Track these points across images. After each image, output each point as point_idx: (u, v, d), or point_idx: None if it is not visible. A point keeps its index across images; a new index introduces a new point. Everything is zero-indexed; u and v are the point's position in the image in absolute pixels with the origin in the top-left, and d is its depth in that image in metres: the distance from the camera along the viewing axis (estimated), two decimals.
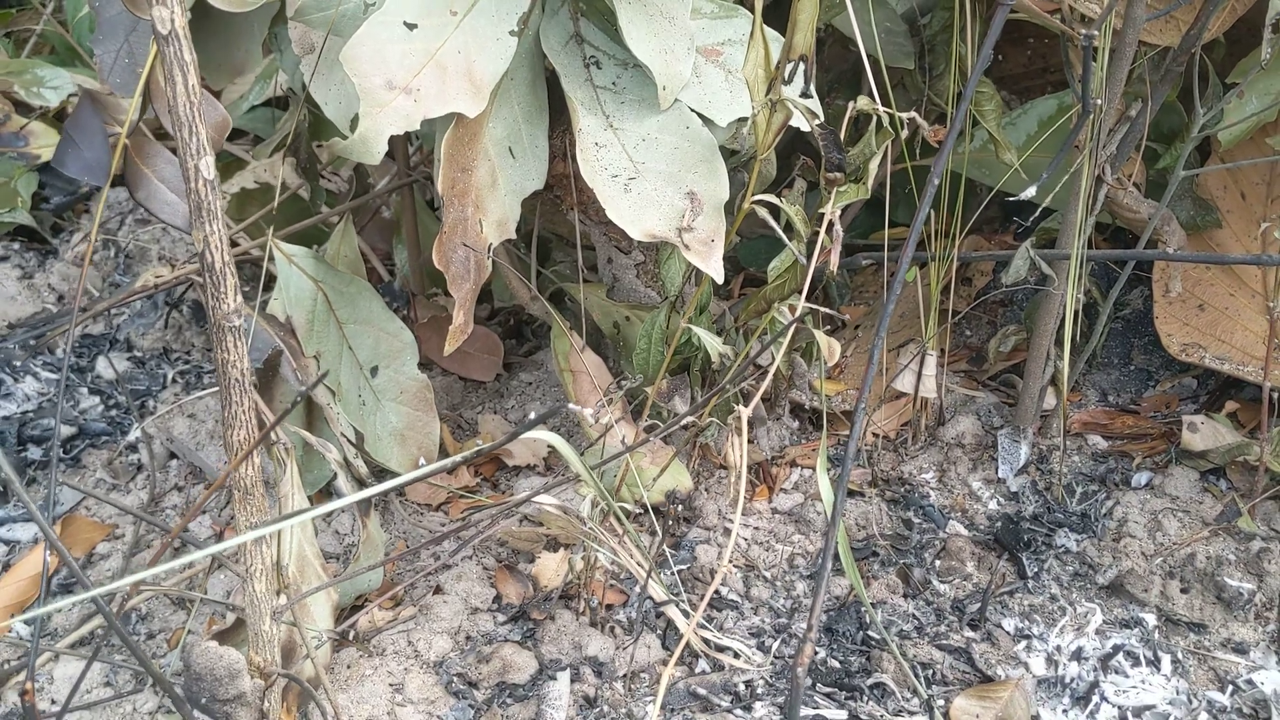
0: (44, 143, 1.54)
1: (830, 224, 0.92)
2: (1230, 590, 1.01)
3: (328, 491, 1.16)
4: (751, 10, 0.86)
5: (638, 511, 1.07)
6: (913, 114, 0.95)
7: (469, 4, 0.90)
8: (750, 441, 1.21)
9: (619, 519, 0.81)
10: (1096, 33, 0.80)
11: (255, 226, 1.31)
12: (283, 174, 1.25)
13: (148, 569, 0.63)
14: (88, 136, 0.78)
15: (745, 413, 0.87)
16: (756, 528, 1.14)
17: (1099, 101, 0.94)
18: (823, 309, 0.94)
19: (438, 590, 1.05)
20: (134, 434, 1.30)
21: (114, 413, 1.35)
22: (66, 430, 1.31)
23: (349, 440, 1.03)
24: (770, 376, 0.93)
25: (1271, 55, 0.99)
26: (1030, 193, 0.93)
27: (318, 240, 1.40)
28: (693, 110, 0.94)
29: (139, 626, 1.08)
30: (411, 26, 0.87)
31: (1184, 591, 1.03)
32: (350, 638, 0.99)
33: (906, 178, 1.26)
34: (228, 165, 1.57)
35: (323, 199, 1.23)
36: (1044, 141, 1.22)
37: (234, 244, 1.41)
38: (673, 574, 1.06)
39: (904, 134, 0.98)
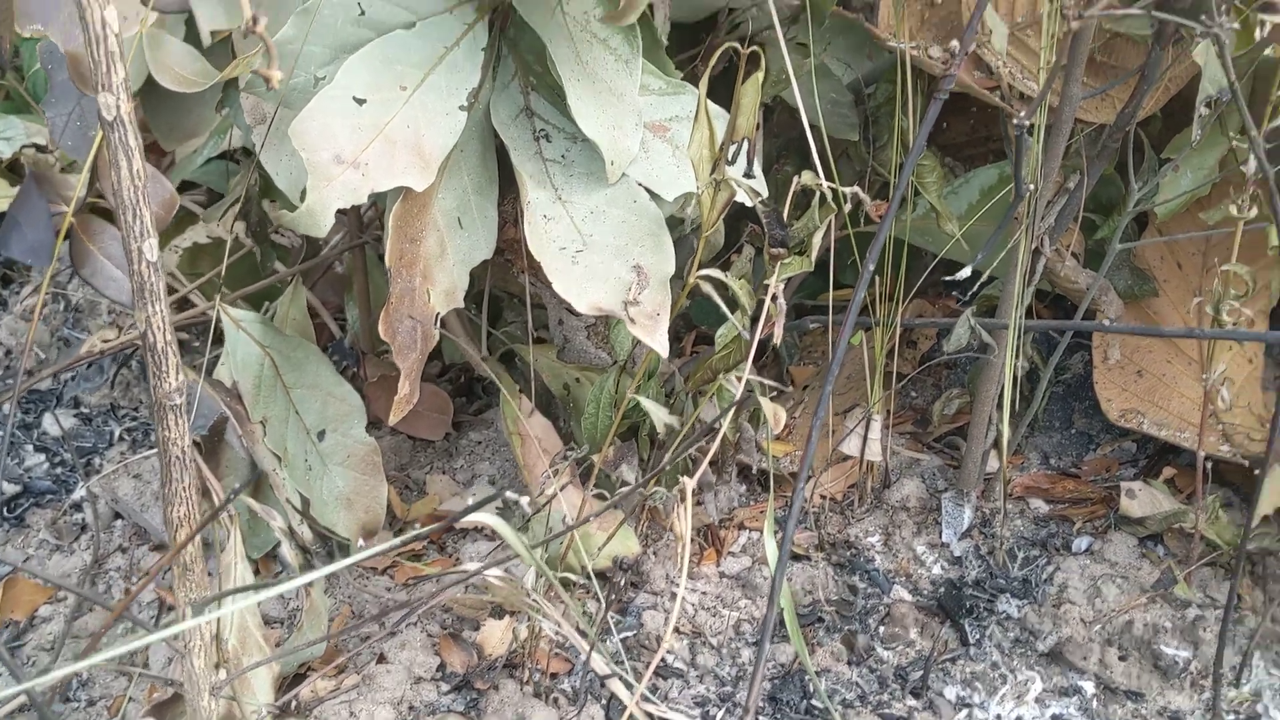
0: None
1: (774, 297, 0.93)
2: (1166, 658, 1.03)
3: (275, 555, 1.16)
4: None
5: (581, 582, 1.08)
6: (855, 189, 0.97)
7: (419, 79, 0.91)
8: (698, 504, 1.22)
9: (560, 593, 0.81)
10: (1029, 121, 0.83)
11: (209, 282, 1.31)
12: (236, 233, 1.25)
13: (83, 659, 0.63)
14: (32, 218, 0.78)
15: (690, 484, 0.88)
16: (704, 593, 1.14)
17: (1031, 186, 0.96)
18: (767, 381, 0.95)
19: (381, 659, 1.04)
20: (79, 493, 1.29)
21: (59, 470, 1.34)
22: (11, 488, 1.30)
23: (294, 507, 1.03)
24: (717, 443, 0.94)
25: (1203, 135, 1.02)
26: (965, 273, 0.95)
27: (271, 297, 1.40)
28: (640, 185, 0.96)
29: (79, 693, 1.06)
30: (361, 101, 0.88)
31: (1122, 659, 1.05)
32: (292, 709, 0.98)
33: (853, 241, 1.28)
34: (181, 220, 1.56)
35: (273, 260, 1.23)
36: (986, 210, 1.24)
37: (187, 303, 1.41)
38: (617, 642, 1.06)
39: (847, 207, 1.00)
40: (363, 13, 0.89)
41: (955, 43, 0.77)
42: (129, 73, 0.65)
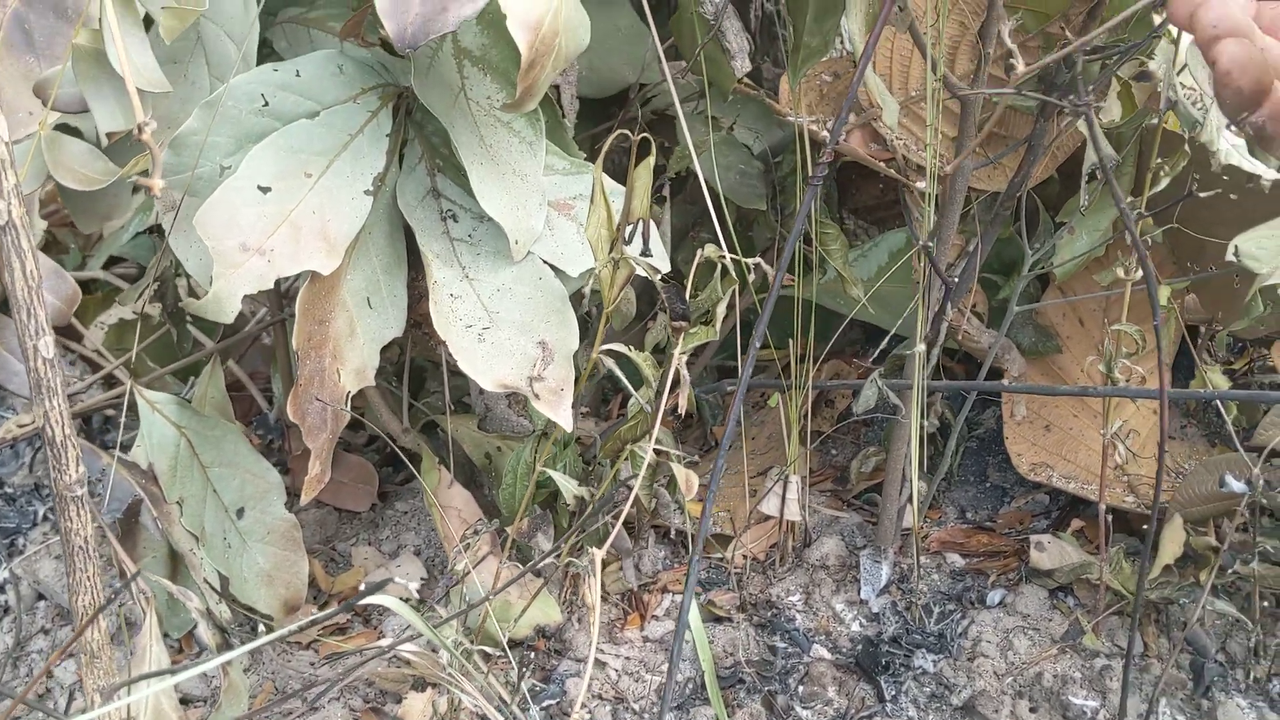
0: None
1: (678, 370, 0.95)
2: (1075, 709, 1.06)
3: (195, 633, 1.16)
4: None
5: (499, 654, 1.09)
6: (758, 260, 1.00)
7: (324, 166, 0.93)
8: (619, 570, 1.24)
9: (468, 669, 0.83)
10: (926, 190, 0.86)
11: (134, 357, 1.32)
12: (157, 312, 1.26)
13: None
14: None
15: (599, 554, 0.90)
16: (627, 658, 1.16)
17: (954, 284, 0.99)
18: (673, 450, 0.97)
19: None
20: (1, 574, 1.28)
21: None
22: None
23: (212, 587, 1.03)
24: (627, 511, 0.96)
25: (1091, 202, 1.06)
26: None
27: (195, 371, 1.41)
28: (546, 262, 0.98)
29: None
30: (265, 190, 0.90)
31: (1032, 711, 1.07)
32: None
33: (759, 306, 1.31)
34: (107, 294, 1.57)
35: (190, 341, 1.25)
36: (895, 273, 1.28)
37: (112, 378, 1.41)
38: (535, 713, 1.07)
39: (752, 278, 1.03)
40: (266, 104, 0.91)
41: (825, 132, 0.80)
42: (20, 178, 0.67)
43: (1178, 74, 1.03)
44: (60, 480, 0.75)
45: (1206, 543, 1.08)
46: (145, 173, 1.08)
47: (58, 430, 0.74)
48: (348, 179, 0.94)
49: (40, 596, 1.26)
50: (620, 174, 1.02)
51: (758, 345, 0.84)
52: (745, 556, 1.28)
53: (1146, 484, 1.22)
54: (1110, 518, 1.11)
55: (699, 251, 1.02)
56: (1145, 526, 0.98)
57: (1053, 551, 1.18)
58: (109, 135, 0.78)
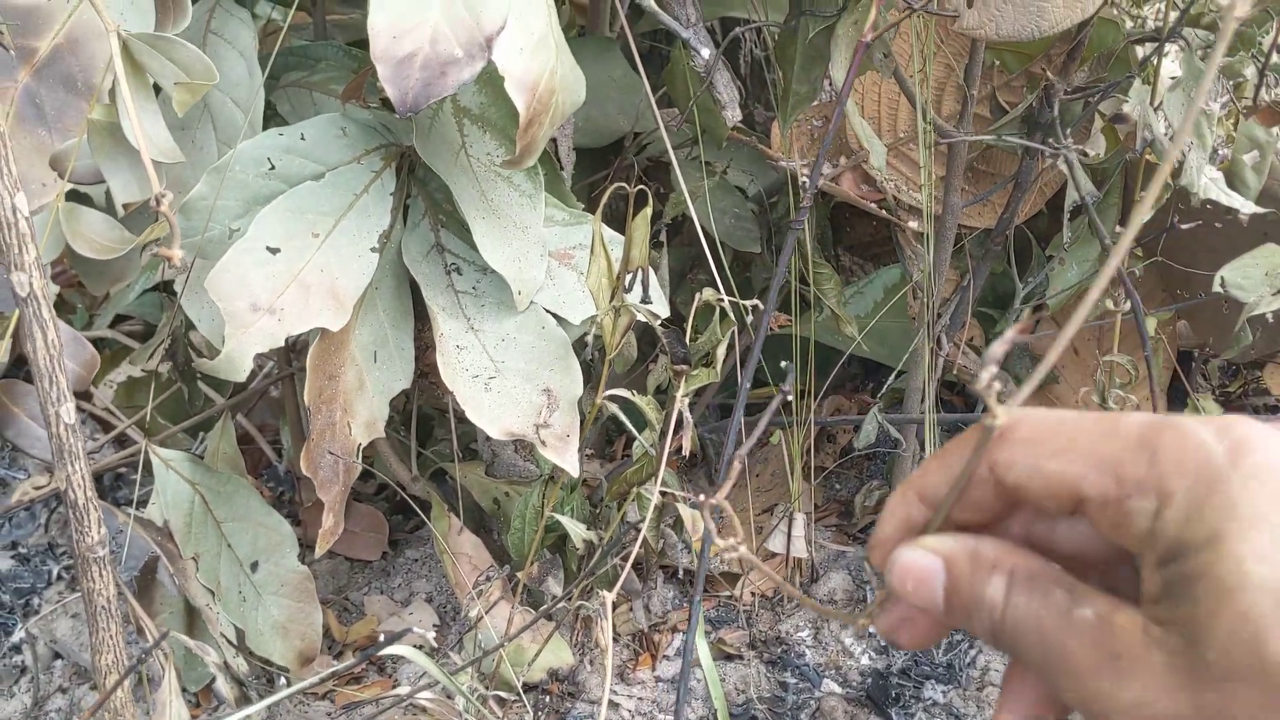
0: None
1: (681, 412, 0.98)
2: None
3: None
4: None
5: (514, 699, 1.10)
6: (755, 301, 1.03)
7: (330, 226, 0.95)
8: (629, 611, 1.25)
9: (484, 714, 0.84)
10: (920, 230, 0.88)
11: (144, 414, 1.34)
12: (166, 370, 1.29)
13: None
14: None
15: (609, 597, 0.91)
16: (640, 698, 1.17)
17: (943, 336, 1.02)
18: (678, 492, 0.99)
19: None
20: (18, 635, 1.29)
21: None
22: None
23: (229, 640, 1.05)
24: (634, 553, 0.98)
25: (1074, 238, 1.08)
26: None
27: (206, 427, 1.43)
28: (548, 311, 1.01)
29: None
30: (274, 250, 0.92)
31: None
32: None
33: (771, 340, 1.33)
34: (116, 354, 1.60)
35: (200, 399, 1.27)
36: (891, 308, 1.30)
37: (124, 436, 1.43)
38: None
39: (750, 319, 1.05)
40: (272, 167, 0.94)
41: (806, 178, 0.83)
42: (40, 251, 0.70)
43: (1156, 108, 1.06)
44: (82, 542, 0.77)
45: None
46: (161, 240, 1.10)
47: (80, 493, 0.76)
48: (354, 237, 0.97)
49: (57, 655, 1.27)
50: (618, 221, 1.04)
51: (748, 385, 0.86)
52: (754, 594, 1.29)
53: None
54: None
55: (697, 295, 1.04)
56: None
57: None
58: (125, 206, 0.80)
